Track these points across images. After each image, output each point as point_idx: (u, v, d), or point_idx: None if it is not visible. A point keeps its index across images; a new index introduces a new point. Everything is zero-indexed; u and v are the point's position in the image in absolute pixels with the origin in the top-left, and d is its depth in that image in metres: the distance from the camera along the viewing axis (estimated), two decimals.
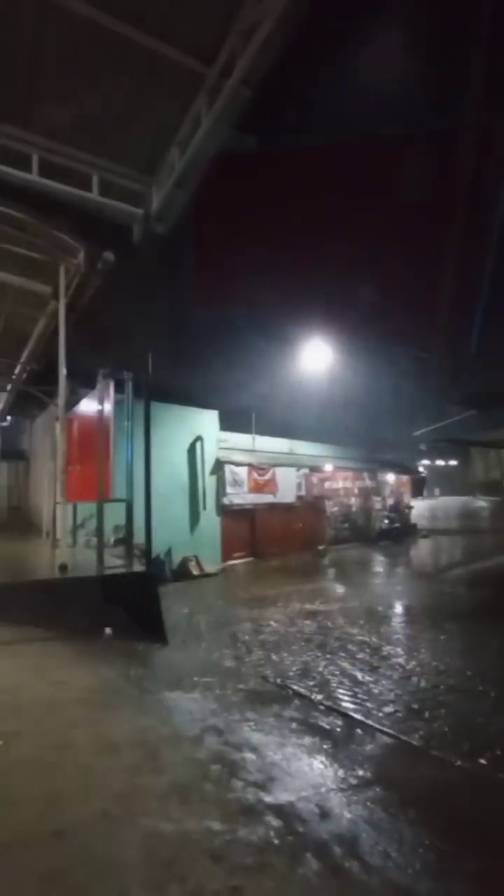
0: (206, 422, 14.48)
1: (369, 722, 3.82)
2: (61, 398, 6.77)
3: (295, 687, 4.71)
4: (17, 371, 11.88)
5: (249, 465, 15.35)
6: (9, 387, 13.25)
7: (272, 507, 16.01)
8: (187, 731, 3.18)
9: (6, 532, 13.43)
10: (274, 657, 5.88)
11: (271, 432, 17.41)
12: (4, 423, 16.04)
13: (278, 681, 4.92)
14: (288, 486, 16.54)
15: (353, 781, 2.69)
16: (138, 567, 6.50)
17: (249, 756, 2.84)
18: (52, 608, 5.44)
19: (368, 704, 4.30)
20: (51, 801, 2.17)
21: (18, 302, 8.48)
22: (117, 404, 6.82)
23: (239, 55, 4.48)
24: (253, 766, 2.73)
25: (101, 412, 6.72)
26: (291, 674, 5.21)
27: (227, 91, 4.68)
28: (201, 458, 14.05)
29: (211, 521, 14.16)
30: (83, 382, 7.94)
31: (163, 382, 9.27)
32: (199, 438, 14.08)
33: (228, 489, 14.57)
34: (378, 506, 20.44)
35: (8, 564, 8.08)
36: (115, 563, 6.53)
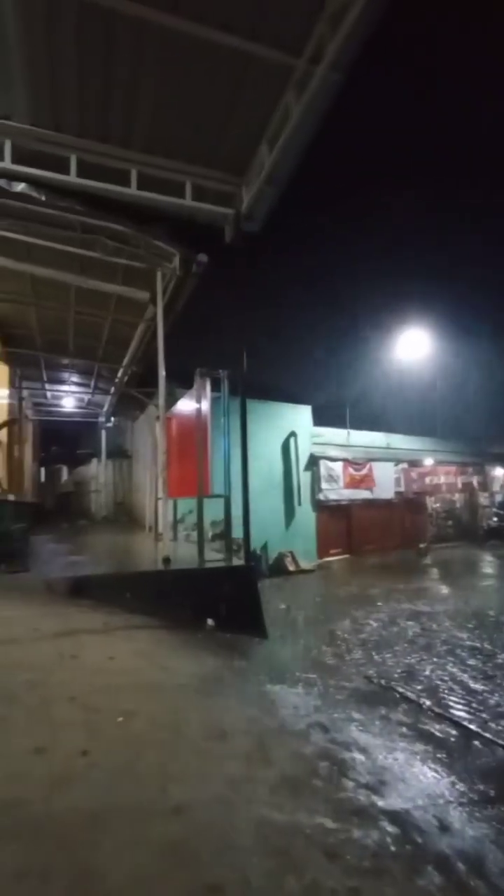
0: (299, 417, 14.42)
1: (487, 734, 3.55)
2: (161, 398, 7.09)
3: (401, 690, 4.52)
4: (119, 375, 12.76)
5: (345, 459, 15.04)
6: (112, 390, 14.30)
7: (369, 503, 15.55)
8: (293, 725, 3.17)
9: (112, 526, 14.48)
10: (376, 657, 5.70)
11: (367, 426, 16.95)
12: (109, 425, 17.36)
13: (383, 682, 4.75)
14: (385, 482, 15.96)
15: (474, 797, 2.51)
16: (237, 561, 6.64)
17: (358, 757, 2.76)
18: (158, 598, 5.72)
19: (484, 715, 4.00)
20: (169, 778, 2.27)
21: (120, 309, 9.08)
22: (213, 402, 7.02)
23: (328, 40, 4.37)
24: (363, 767, 2.65)
25: (198, 410, 6.95)
26: (396, 675, 5.01)
27: (316, 78, 4.57)
28: (295, 454, 14.03)
29: (306, 516, 14.09)
30: (180, 383, 8.27)
31: (257, 379, 9.39)
32: (292, 434, 14.06)
33: (323, 484, 14.40)
34: (485, 502, 19.00)
35: (117, 557, 8.69)
36: (214, 556, 6.73)
